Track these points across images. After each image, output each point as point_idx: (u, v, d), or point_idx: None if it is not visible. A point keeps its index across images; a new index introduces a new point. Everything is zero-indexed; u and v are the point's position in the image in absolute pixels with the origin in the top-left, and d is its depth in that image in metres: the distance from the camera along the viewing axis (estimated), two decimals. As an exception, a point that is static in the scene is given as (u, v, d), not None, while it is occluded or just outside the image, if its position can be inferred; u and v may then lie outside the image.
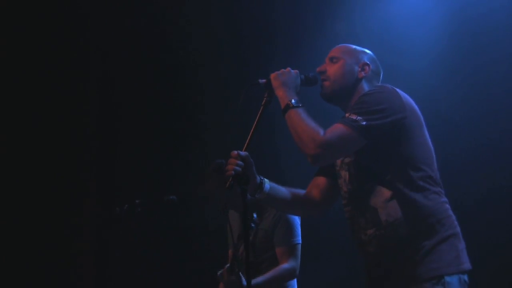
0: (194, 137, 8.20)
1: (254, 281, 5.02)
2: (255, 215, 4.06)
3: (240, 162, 3.67)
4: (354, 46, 4.11)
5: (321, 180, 4.14)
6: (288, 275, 5.26)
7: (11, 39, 7.84)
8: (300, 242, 5.35)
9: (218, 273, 5.19)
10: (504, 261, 6.08)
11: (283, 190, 4.04)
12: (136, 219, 6.41)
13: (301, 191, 4.17)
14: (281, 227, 5.26)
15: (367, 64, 4.03)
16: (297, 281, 5.47)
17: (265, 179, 3.91)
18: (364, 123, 3.63)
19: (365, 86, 4.00)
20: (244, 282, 4.78)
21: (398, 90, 3.81)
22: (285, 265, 5.22)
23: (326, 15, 7.45)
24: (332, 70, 4.01)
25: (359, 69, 4.01)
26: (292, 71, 3.91)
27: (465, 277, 3.66)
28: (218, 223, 6.17)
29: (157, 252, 8.01)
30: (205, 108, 8.07)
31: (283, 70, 3.91)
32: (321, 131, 3.67)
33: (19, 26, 7.86)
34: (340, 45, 4.14)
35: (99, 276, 7.90)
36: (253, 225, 4.12)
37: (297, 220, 5.36)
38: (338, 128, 3.66)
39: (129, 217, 6.00)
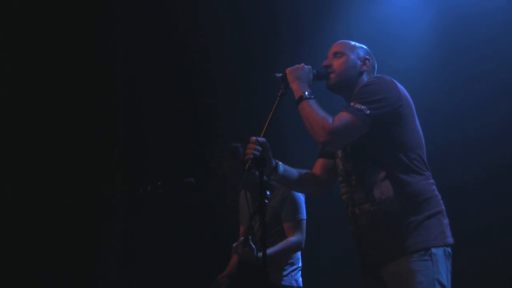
0: (211, 125, 8.20)
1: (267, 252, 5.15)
2: (268, 193, 4.20)
3: (258, 147, 3.75)
4: (353, 42, 4.18)
5: (324, 161, 4.23)
6: (295, 247, 5.31)
7: (43, 41, 7.76)
8: (305, 218, 5.38)
9: (234, 245, 5.20)
10: (481, 237, 6.20)
11: (294, 172, 4.12)
12: (158, 199, 6.56)
13: (309, 172, 4.25)
14: (288, 205, 5.31)
15: (367, 59, 4.10)
16: (301, 254, 5.50)
17: (279, 162, 3.98)
18: (368, 112, 3.69)
19: (365, 78, 4.07)
20: (257, 253, 4.83)
21: (395, 81, 3.90)
22: (292, 238, 5.27)
23: (325, 15, 7.47)
24: (337, 64, 4.07)
25: (361, 63, 4.08)
26: (306, 66, 3.96)
27: (449, 250, 3.73)
28: (231, 202, 6.14)
29: (177, 229, 8.03)
30: (221, 97, 8.06)
31: (297, 65, 3.97)
32: (330, 120, 3.72)
33: (50, 28, 7.81)
34: (341, 41, 4.20)
35: (126, 253, 7.93)
36: (266, 201, 4.31)
37: (302, 198, 5.41)
38: (344, 117, 3.72)
39: (152, 198, 6.14)
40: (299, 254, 5.47)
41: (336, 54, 4.09)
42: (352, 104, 3.76)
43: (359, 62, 4.08)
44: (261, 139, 3.81)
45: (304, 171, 4.22)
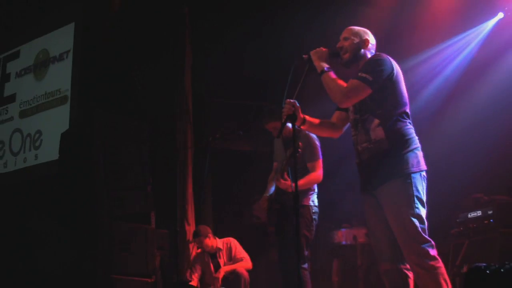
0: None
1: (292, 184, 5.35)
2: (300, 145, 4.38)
3: (291, 107, 3.97)
4: (357, 28, 4.21)
5: (339, 113, 4.32)
6: (316, 180, 5.43)
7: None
8: (322, 158, 5.47)
9: (273, 177, 5.49)
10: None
11: (316, 121, 4.26)
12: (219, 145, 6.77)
13: (327, 120, 4.35)
14: (310, 149, 5.41)
15: (368, 40, 4.15)
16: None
17: (306, 116, 4.13)
18: (370, 78, 3.90)
19: (368, 54, 4.15)
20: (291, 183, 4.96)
21: (389, 57, 4.02)
22: (314, 174, 5.40)
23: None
24: (346, 45, 4.14)
25: (363, 43, 4.14)
26: (324, 49, 4.10)
27: (424, 173, 3.93)
28: (269, 148, 6.07)
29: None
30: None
31: (317, 48, 4.11)
32: (343, 86, 3.96)
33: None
34: (348, 28, 4.22)
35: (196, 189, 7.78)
36: (300, 150, 4.40)
37: (318, 143, 5.48)
38: (354, 83, 3.94)
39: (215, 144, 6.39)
40: (315, 186, 5.55)
41: (346, 39, 4.16)
42: (359, 74, 3.94)
43: (361, 43, 4.15)
44: (293, 100, 4.01)
45: (324, 120, 4.34)
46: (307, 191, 5.48)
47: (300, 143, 4.54)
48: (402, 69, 4.13)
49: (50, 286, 5.25)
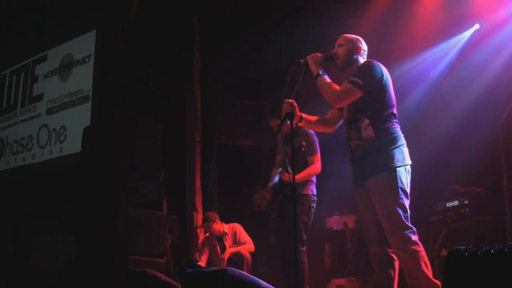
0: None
1: (297, 176, 5.17)
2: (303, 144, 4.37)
3: (289, 106, 3.98)
4: (351, 36, 4.18)
5: (333, 111, 4.31)
6: (315, 172, 5.47)
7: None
8: (319, 152, 5.49)
9: (278, 170, 5.50)
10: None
11: (312, 118, 4.28)
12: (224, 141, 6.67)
13: (322, 117, 4.36)
14: (309, 144, 5.39)
15: (360, 47, 4.13)
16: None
17: (303, 114, 4.14)
18: (361, 82, 3.90)
19: (360, 60, 4.12)
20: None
21: (378, 62, 4.01)
22: (313, 166, 5.44)
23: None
24: (341, 52, 4.12)
25: (355, 50, 4.12)
26: (319, 54, 4.08)
27: (409, 167, 3.94)
28: (269, 143, 6.18)
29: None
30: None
31: (313, 54, 4.09)
32: (337, 88, 3.96)
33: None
34: (342, 35, 4.19)
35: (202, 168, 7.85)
36: (303, 149, 4.42)
37: (316, 139, 5.51)
38: (347, 86, 3.94)
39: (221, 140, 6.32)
40: (314, 177, 5.60)
41: (340, 45, 4.14)
42: (352, 78, 3.96)
43: (354, 50, 4.13)
44: (291, 100, 4.01)
45: (320, 118, 4.35)
46: (307, 182, 5.48)
47: (303, 143, 4.58)
48: (391, 75, 4.11)
49: (73, 264, 5.25)
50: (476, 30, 7.16)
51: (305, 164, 5.46)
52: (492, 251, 1.82)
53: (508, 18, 6.59)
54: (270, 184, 5.70)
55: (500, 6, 6.61)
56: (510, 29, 6.59)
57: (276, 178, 5.66)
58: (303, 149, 4.34)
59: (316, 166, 5.48)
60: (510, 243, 1.71)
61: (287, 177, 5.16)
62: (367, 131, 3.98)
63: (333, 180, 6.56)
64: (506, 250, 1.77)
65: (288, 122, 4.03)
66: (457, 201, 6.37)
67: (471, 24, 7.15)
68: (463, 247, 1.98)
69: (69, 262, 5.53)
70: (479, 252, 1.89)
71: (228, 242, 6.81)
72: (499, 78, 6.43)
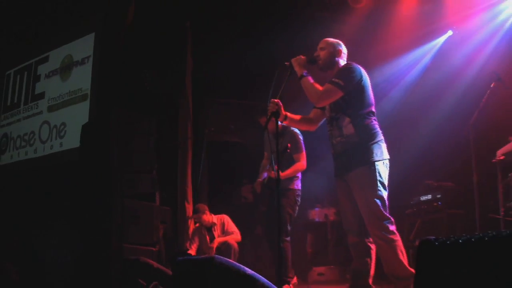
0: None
1: (284, 173, 5.33)
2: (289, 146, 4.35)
3: (275, 105, 3.96)
4: (332, 39, 4.18)
5: (316, 111, 4.31)
6: (301, 169, 5.50)
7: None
8: (305, 150, 5.52)
9: (266, 166, 5.54)
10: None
11: (296, 117, 4.26)
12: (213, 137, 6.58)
13: (306, 116, 4.35)
14: (295, 143, 5.44)
15: (341, 50, 4.13)
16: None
17: (288, 113, 4.12)
18: (342, 83, 3.90)
19: (341, 62, 4.12)
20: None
21: (358, 65, 4.02)
22: (298, 163, 5.47)
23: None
24: (322, 54, 4.12)
25: (337, 53, 4.12)
26: (303, 57, 4.06)
27: (387, 161, 3.96)
28: (255, 140, 6.08)
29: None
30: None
31: (298, 56, 4.06)
32: (319, 89, 3.95)
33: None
34: (324, 39, 4.20)
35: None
36: (288, 151, 4.38)
37: (301, 137, 5.51)
38: (328, 87, 3.95)
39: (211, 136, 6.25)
40: (300, 174, 5.63)
41: (322, 48, 4.15)
42: (333, 79, 3.97)
43: (335, 52, 4.13)
44: (277, 100, 3.98)
45: (303, 116, 4.34)
46: (293, 177, 5.51)
47: (289, 144, 4.52)
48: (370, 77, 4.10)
49: (71, 253, 5.23)
50: (450, 37, 7.20)
51: (292, 162, 5.49)
52: (460, 240, 1.82)
53: (479, 26, 6.64)
54: (259, 180, 5.72)
55: (471, 15, 6.68)
56: (480, 35, 6.63)
57: (265, 175, 5.68)
58: (288, 150, 4.34)
59: (302, 163, 5.51)
60: (476, 233, 1.72)
61: (274, 174, 5.10)
62: (348, 128, 3.99)
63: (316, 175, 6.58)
64: (472, 239, 1.78)
65: (274, 120, 4.00)
66: (430, 195, 6.40)
67: (444, 30, 7.18)
68: (434, 237, 1.97)
69: (67, 249, 5.50)
70: (448, 242, 1.89)
71: (216, 232, 6.80)
72: (471, 81, 6.47)
